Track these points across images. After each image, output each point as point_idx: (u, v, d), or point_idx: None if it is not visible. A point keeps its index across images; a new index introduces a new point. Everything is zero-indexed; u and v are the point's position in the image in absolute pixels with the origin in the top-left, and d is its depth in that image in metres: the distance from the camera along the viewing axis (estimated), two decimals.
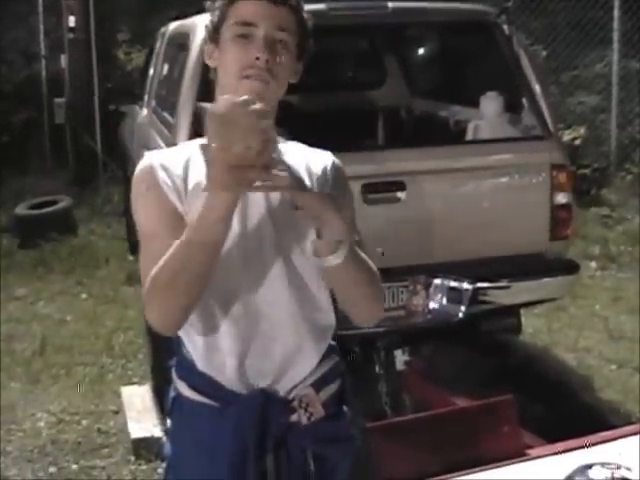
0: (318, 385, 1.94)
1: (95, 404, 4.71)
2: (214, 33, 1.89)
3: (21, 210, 8.22)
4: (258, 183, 1.62)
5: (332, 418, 1.96)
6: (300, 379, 1.92)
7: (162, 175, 1.83)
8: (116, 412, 4.58)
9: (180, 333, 1.91)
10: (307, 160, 1.95)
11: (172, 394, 2.00)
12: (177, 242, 1.70)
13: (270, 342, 1.88)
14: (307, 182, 1.88)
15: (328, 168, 1.96)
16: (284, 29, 1.83)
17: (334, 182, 1.95)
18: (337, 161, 2.00)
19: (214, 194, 1.62)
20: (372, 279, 1.88)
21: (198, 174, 1.82)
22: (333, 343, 2.01)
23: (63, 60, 10.17)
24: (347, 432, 2.01)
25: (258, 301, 1.86)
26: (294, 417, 1.91)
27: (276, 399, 1.90)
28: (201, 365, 1.90)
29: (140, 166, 1.88)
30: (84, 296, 6.60)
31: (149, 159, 1.88)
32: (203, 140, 1.86)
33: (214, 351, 1.88)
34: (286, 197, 1.81)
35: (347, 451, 2.00)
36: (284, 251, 1.86)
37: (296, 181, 1.74)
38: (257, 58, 1.79)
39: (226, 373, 1.88)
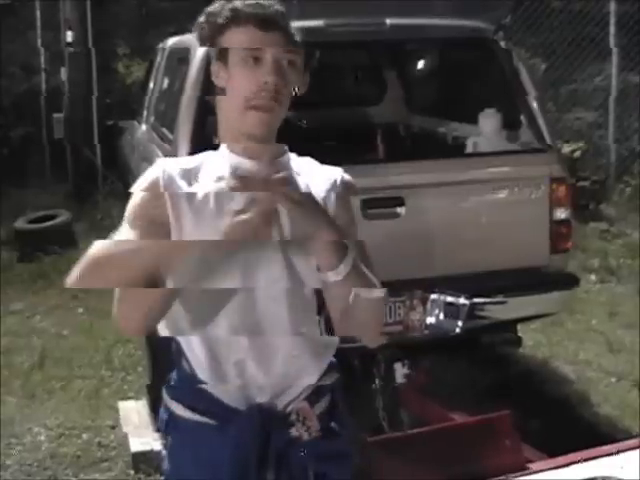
0: (312, 399, 1.95)
1: (94, 418, 4.70)
2: (222, 53, 1.86)
3: (20, 224, 8.22)
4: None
5: (330, 434, 1.96)
6: (298, 394, 1.93)
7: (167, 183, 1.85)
8: (112, 427, 4.56)
9: (183, 346, 1.92)
10: (314, 175, 1.95)
11: (164, 416, 2.00)
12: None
13: (270, 354, 1.88)
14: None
15: (336, 183, 1.94)
16: (291, 50, 1.83)
17: (337, 197, 1.94)
18: (347, 177, 1.98)
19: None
20: (373, 301, 1.82)
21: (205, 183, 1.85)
22: (333, 360, 2.02)
23: (63, 74, 10.20)
24: (345, 448, 2.01)
25: (260, 312, 1.86)
26: (293, 431, 1.91)
27: (274, 414, 1.90)
28: (204, 377, 1.90)
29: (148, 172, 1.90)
30: (82, 309, 6.59)
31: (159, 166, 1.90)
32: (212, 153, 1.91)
33: (216, 362, 1.88)
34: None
35: (344, 467, 2.00)
36: (291, 265, 1.86)
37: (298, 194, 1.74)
38: (265, 82, 1.79)
39: (228, 385, 1.89)
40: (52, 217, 8.29)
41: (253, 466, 1.87)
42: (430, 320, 4.16)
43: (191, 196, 1.82)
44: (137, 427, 4.39)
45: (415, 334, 4.17)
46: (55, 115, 10.18)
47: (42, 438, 4.50)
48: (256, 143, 1.85)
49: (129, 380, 5.21)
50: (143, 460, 4.09)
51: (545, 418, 4.33)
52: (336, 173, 1.98)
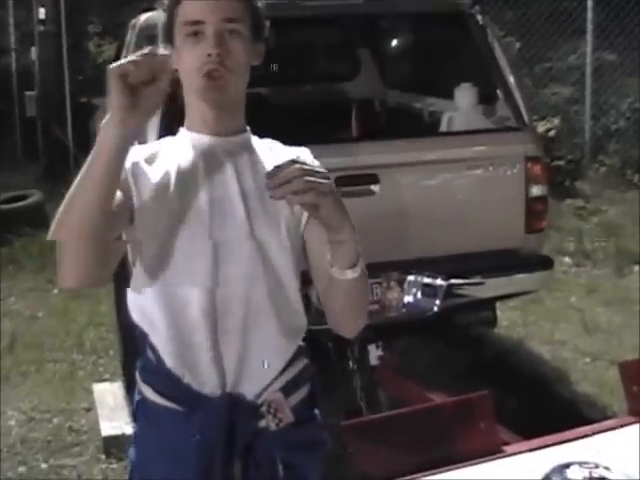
0: (287, 389, 1.91)
1: (66, 401, 4.65)
2: (167, 35, 1.89)
3: None
4: (293, 187, 1.59)
5: (302, 423, 1.93)
6: (268, 381, 1.88)
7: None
8: (88, 409, 4.53)
9: (147, 332, 1.88)
10: (283, 157, 1.89)
11: (137, 397, 1.97)
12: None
13: (239, 337, 1.84)
14: None
15: None
16: (232, 19, 1.82)
17: None
18: (316, 162, 1.94)
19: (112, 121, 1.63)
20: (367, 290, 1.98)
21: (164, 165, 1.84)
22: (302, 344, 1.98)
23: (33, 52, 10.10)
24: (317, 436, 1.98)
25: (229, 295, 1.83)
26: (262, 423, 1.87)
27: (243, 404, 1.86)
28: (171, 362, 1.86)
29: None
30: (55, 292, 6.51)
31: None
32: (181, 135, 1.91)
33: (182, 344, 1.84)
34: (260, 186, 1.78)
35: (317, 456, 1.98)
36: (262, 246, 1.84)
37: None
38: (209, 55, 1.79)
39: (198, 368, 1.85)
40: (23, 197, 8.19)
41: (218, 456, 1.83)
42: (408, 299, 4.12)
43: (151, 174, 1.83)
44: (112, 409, 4.35)
45: (392, 313, 4.13)
46: (27, 93, 10.09)
47: (12, 423, 4.44)
48: (213, 110, 1.85)
49: (101, 363, 5.15)
50: (114, 444, 4.04)
51: (521, 397, 4.32)
52: (306, 156, 1.92)
